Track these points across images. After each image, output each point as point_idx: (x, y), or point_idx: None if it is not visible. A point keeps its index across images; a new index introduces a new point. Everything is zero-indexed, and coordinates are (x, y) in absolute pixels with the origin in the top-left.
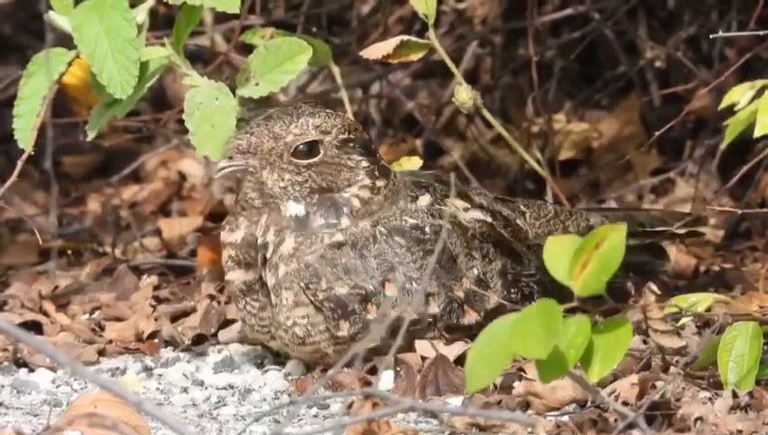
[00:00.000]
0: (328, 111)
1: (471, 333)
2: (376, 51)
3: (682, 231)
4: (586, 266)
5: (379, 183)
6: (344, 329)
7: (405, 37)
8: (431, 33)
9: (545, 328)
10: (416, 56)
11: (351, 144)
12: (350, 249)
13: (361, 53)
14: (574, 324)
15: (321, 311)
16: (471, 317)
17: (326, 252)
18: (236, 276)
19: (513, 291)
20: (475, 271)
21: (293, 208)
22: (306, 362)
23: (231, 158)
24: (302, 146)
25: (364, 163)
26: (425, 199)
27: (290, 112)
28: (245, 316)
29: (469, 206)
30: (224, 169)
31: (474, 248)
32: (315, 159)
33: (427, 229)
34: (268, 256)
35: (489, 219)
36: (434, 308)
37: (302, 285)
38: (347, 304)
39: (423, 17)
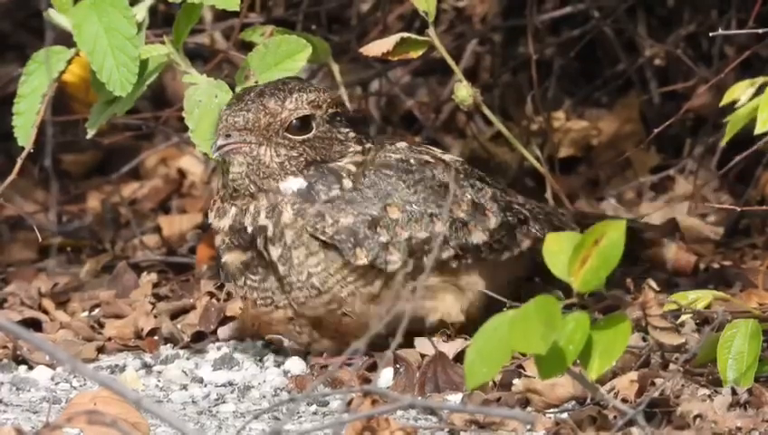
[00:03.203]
0: (316, 85)
1: (482, 257)
2: (376, 48)
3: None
4: (585, 263)
5: (368, 144)
6: (362, 256)
7: (405, 34)
8: (431, 30)
9: (544, 324)
10: (415, 53)
11: (338, 118)
12: (344, 192)
13: (361, 51)
14: (573, 321)
15: (335, 248)
16: (478, 236)
17: (325, 202)
18: (233, 258)
19: (508, 214)
20: (468, 195)
21: (294, 183)
22: (319, 321)
23: (228, 136)
24: (295, 121)
25: (351, 134)
26: (402, 144)
27: (281, 88)
28: (246, 292)
29: (444, 151)
30: (222, 147)
31: (461, 178)
32: (309, 135)
33: (412, 161)
34: (269, 235)
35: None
36: (439, 226)
37: (309, 229)
38: (357, 230)
39: (423, 15)
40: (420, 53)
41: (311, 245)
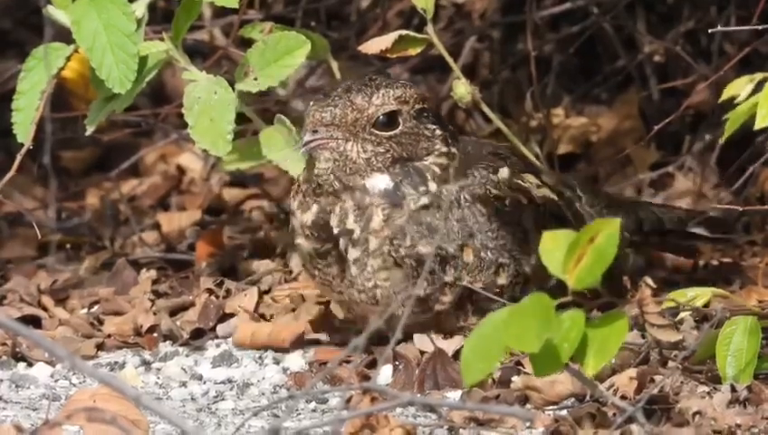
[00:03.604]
0: (402, 81)
1: None
2: (374, 46)
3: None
4: (580, 260)
5: (453, 149)
6: (420, 288)
7: (403, 32)
8: (429, 27)
9: (538, 322)
10: (414, 51)
11: (425, 114)
12: (435, 211)
13: (360, 48)
14: (568, 318)
15: (401, 267)
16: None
17: (413, 214)
18: (308, 245)
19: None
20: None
21: (380, 181)
22: (370, 319)
23: (315, 131)
24: (382, 117)
25: (438, 131)
26: (504, 172)
27: (367, 84)
28: (310, 269)
29: (540, 183)
30: (309, 142)
31: (543, 226)
32: (396, 131)
33: (507, 202)
34: (356, 236)
35: (556, 198)
36: (502, 279)
37: (388, 242)
38: (425, 263)
39: (421, 12)
40: (419, 50)
41: (387, 259)
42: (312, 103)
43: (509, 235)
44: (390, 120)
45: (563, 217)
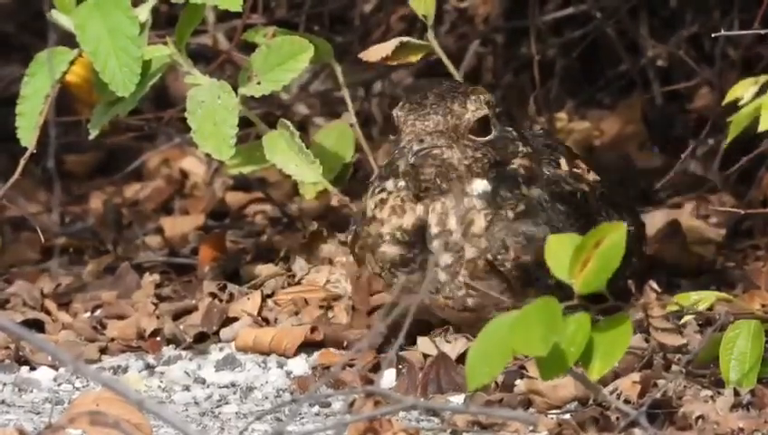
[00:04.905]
0: (479, 86)
1: None
2: (375, 53)
3: None
4: (586, 265)
5: (529, 149)
6: (531, 294)
7: (404, 39)
8: (430, 34)
9: (545, 325)
10: (415, 58)
11: (502, 117)
12: (527, 218)
13: (361, 56)
14: (574, 322)
15: (497, 276)
16: None
17: (511, 223)
18: (394, 251)
19: (637, 246)
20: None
21: (479, 186)
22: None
23: (422, 141)
24: (476, 122)
25: (515, 133)
26: (564, 165)
27: (456, 89)
28: (384, 275)
29: (586, 166)
30: (418, 152)
31: (601, 208)
32: (491, 136)
33: (578, 195)
34: (454, 238)
35: (600, 179)
36: None
37: (490, 257)
38: (531, 271)
39: (422, 18)
40: (420, 56)
41: (482, 267)
42: (405, 113)
43: (586, 224)
44: (482, 125)
45: (611, 199)
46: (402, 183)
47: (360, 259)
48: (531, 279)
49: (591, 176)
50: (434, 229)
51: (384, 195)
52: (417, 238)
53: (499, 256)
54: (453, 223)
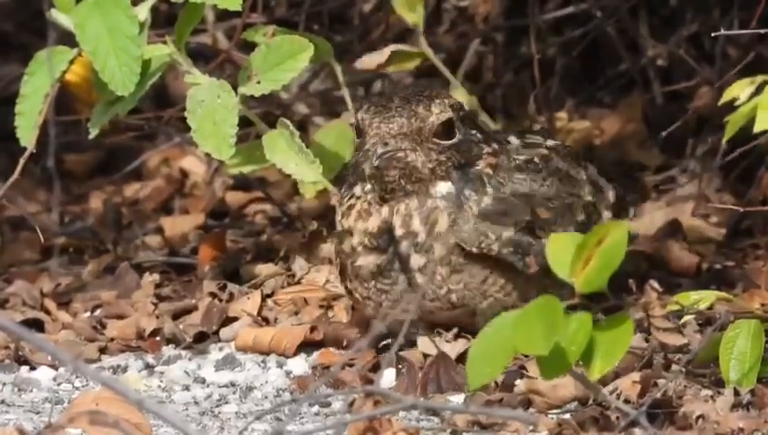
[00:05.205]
0: (442, 89)
1: None
2: (370, 61)
3: None
4: (588, 263)
5: (495, 145)
6: (533, 264)
7: (399, 46)
8: (422, 42)
9: (546, 325)
10: (410, 65)
11: (466, 120)
12: (494, 202)
13: (356, 65)
14: (575, 321)
15: (488, 265)
16: (605, 215)
17: (479, 213)
18: (369, 261)
19: (614, 184)
20: (584, 176)
21: (443, 188)
22: (443, 324)
23: (386, 143)
24: (440, 126)
25: (479, 135)
26: (514, 140)
27: (421, 93)
28: (372, 295)
29: (544, 137)
30: (383, 154)
31: (574, 162)
32: (455, 139)
33: (536, 159)
34: (420, 240)
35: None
36: (580, 216)
37: (475, 250)
38: (520, 241)
39: (413, 27)
40: (415, 63)
41: (457, 262)
42: (370, 116)
43: (556, 180)
44: (446, 128)
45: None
46: (369, 186)
47: (342, 281)
48: (525, 247)
49: (549, 142)
50: (398, 231)
51: (353, 200)
52: (386, 243)
53: (483, 244)
54: (417, 224)
